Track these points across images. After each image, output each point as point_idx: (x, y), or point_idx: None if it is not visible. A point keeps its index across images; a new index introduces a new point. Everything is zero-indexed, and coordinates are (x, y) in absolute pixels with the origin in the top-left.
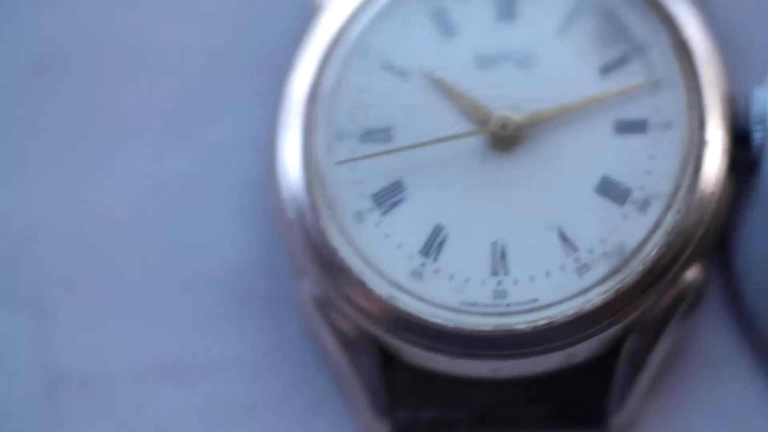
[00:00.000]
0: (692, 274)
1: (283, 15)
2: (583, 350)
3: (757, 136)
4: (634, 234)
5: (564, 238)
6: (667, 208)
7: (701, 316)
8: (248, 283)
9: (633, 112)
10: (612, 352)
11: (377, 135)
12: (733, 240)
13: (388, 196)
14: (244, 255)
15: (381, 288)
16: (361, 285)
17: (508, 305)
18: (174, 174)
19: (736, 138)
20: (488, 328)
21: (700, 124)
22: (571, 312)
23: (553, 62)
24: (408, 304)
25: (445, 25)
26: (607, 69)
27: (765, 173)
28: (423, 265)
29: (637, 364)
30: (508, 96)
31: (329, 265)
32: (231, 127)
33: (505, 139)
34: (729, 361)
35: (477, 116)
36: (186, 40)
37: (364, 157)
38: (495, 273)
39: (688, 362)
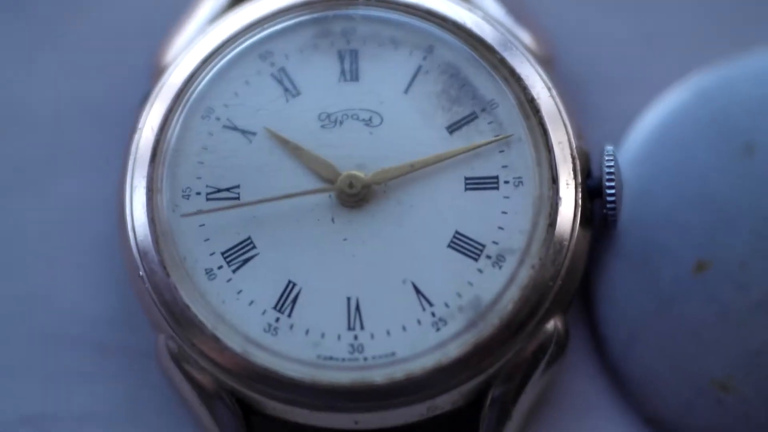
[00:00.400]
0: (552, 325)
1: (130, 74)
2: (444, 402)
3: (610, 191)
4: (489, 288)
5: (419, 292)
6: (521, 263)
7: (567, 363)
8: (107, 335)
9: (483, 169)
10: (476, 402)
11: (224, 194)
12: (593, 290)
13: (239, 253)
14: (101, 308)
15: (235, 343)
16: (214, 340)
17: (365, 359)
18: (28, 229)
19: (590, 193)
20: (346, 382)
21: (552, 180)
22: (429, 365)
23: (399, 121)
24: (263, 358)
25: (288, 85)
26: (455, 127)
27: (621, 227)
28: (277, 320)
29: (503, 413)
30: (354, 155)
31: (182, 322)
32: (83, 182)
33: (354, 197)
34: (597, 406)
35: (324, 174)
36: (33, 97)
37: (210, 210)
38: (351, 327)
39: (555, 409)
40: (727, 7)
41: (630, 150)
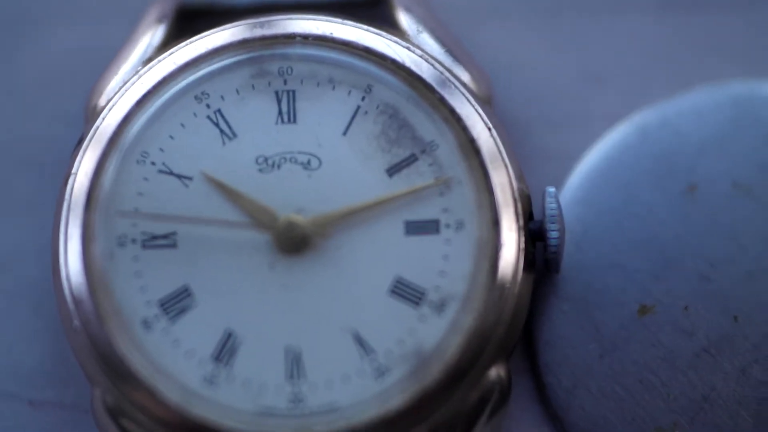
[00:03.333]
0: (495, 373)
1: (65, 117)
2: None
3: (553, 234)
4: (431, 335)
5: (359, 340)
6: (464, 308)
7: (510, 412)
8: (40, 389)
9: (423, 212)
10: None
11: (160, 240)
12: (536, 336)
13: (175, 302)
14: (35, 361)
15: (173, 394)
16: (152, 392)
17: (306, 410)
18: None
19: (532, 236)
20: None
21: (494, 223)
22: (371, 415)
23: (338, 164)
24: (202, 410)
25: (225, 128)
26: (395, 169)
27: (563, 270)
28: (216, 370)
29: None
30: (293, 198)
31: (118, 374)
32: (16, 228)
33: (292, 242)
34: None
35: (263, 219)
36: None
37: (146, 215)
38: (290, 377)
39: None
40: (667, 46)
41: (572, 191)
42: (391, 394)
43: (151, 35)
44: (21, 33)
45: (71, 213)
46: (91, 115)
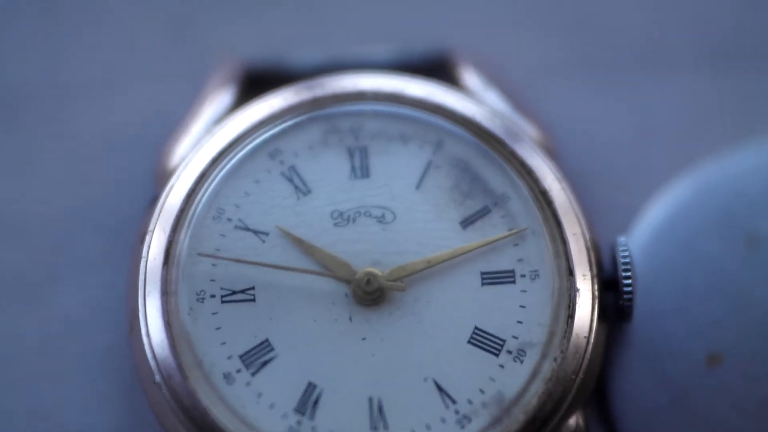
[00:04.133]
0: (574, 421)
1: (129, 179)
2: None
3: (627, 282)
4: (512, 383)
5: (441, 390)
6: (544, 356)
7: None
8: None
9: (498, 263)
10: None
11: (239, 296)
12: (608, 385)
13: (257, 356)
14: (109, 422)
15: None
16: None
17: None
18: (29, 343)
19: (605, 285)
20: None
21: (569, 273)
22: None
23: (412, 217)
24: None
25: (299, 183)
26: (468, 221)
27: (637, 319)
28: (299, 423)
29: None
30: (369, 252)
31: (202, 427)
32: (82, 293)
33: (370, 295)
34: None
35: (340, 273)
36: (33, 206)
37: (228, 259)
38: (374, 428)
39: None
40: (722, 100)
41: (637, 243)
42: None
43: (222, 97)
44: (85, 98)
45: (149, 270)
46: (162, 175)
